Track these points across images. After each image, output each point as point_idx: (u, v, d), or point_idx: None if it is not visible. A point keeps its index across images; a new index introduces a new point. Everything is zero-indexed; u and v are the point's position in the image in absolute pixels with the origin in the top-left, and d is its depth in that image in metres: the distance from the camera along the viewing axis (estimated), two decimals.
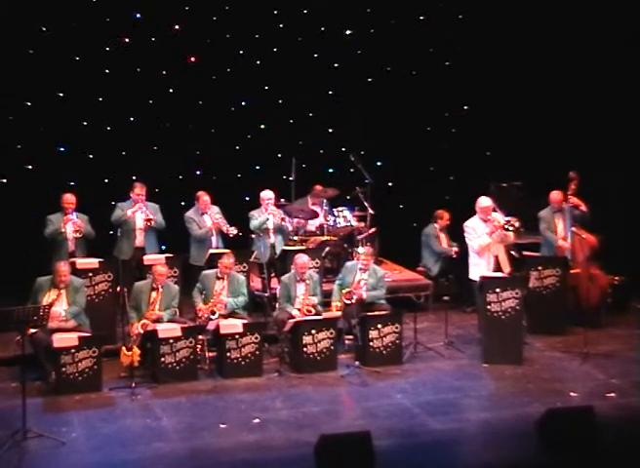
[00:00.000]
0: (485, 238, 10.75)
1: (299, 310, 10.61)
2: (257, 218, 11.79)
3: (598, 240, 11.76)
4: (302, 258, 10.84)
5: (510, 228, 10.71)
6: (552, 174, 12.09)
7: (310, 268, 11.07)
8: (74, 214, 11.25)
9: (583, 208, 11.68)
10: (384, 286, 11.15)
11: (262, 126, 13.99)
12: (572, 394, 9.67)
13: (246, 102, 13.85)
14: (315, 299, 10.73)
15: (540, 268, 11.46)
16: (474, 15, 14.28)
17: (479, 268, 10.84)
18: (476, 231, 10.82)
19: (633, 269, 12.11)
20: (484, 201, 10.94)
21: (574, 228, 11.71)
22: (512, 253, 11.22)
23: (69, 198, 11.28)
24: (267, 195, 11.86)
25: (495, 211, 11.03)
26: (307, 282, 10.74)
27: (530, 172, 13.10)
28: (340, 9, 13.96)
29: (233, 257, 10.77)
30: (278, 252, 11.82)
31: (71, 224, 11.18)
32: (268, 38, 13.77)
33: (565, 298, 11.57)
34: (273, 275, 11.71)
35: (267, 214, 11.78)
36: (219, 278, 10.65)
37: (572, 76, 13.79)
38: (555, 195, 11.79)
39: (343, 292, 10.81)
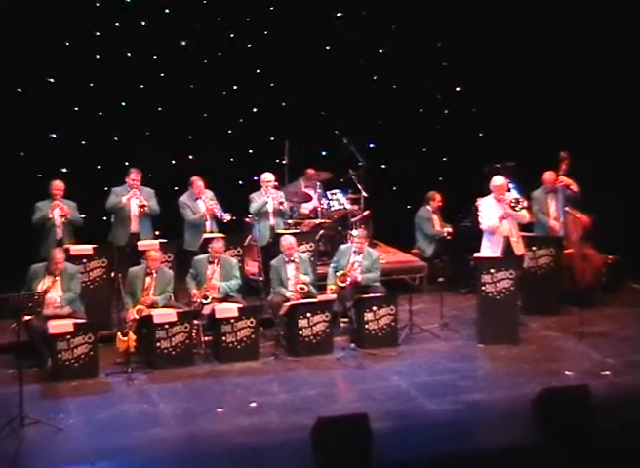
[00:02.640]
0: (494, 221, 10.70)
1: (292, 292, 10.62)
2: (256, 201, 11.78)
3: (591, 219, 11.81)
4: (288, 239, 10.85)
5: (517, 207, 10.66)
6: (545, 153, 12.10)
7: (300, 251, 11.09)
8: (62, 200, 11.22)
9: (574, 187, 11.70)
10: (379, 268, 11.16)
11: (255, 109, 13.95)
12: (567, 373, 9.70)
13: (238, 86, 13.82)
14: (307, 278, 10.73)
15: (533, 248, 11.47)
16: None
17: (488, 249, 10.83)
18: (487, 211, 10.79)
19: (627, 248, 12.15)
20: (497, 180, 10.88)
21: (567, 208, 11.74)
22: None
23: (58, 185, 11.26)
24: (267, 178, 11.87)
25: (509, 190, 10.97)
26: (296, 260, 10.74)
27: (523, 152, 13.10)
28: None
29: (223, 241, 10.79)
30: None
31: (58, 209, 11.16)
32: (259, 21, 13.71)
33: (559, 278, 11.60)
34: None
35: (267, 196, 11.77)
36: (210, 262, 10.65)
37: (564, 55, 13.75)
38: (548, 175, 11.79)
39: (338, 274, 10.81)
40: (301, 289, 10.60)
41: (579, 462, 7.67)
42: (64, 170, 12.53)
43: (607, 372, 9.69)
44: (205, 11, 13.50)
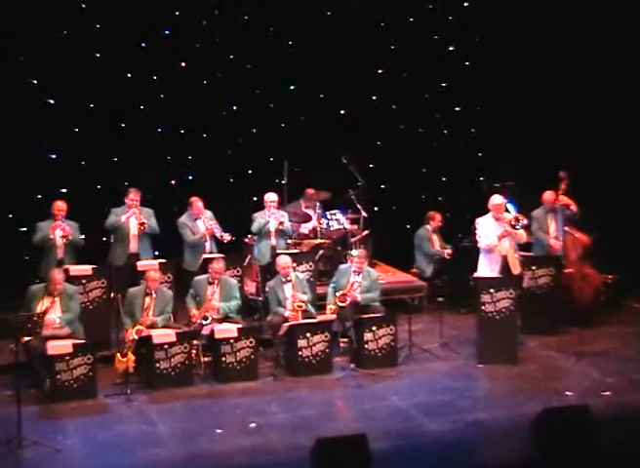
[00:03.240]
0: (493, 240, 10.72)
1: (291, 311, 10.62)
2: (258, 221, 11.82)
3: (590, 239, 11.83)
4: (283, 259, 10.87)
5: (517, 226, 10.70)
6: (544, 173, 12.12)
7: (298, 270, 11.13)
8: (64, 221, 11.24)
9: (573, 207, 11.75)
10: (378, 288, 11.18)
11: (254, 130, 13.99)
12: (567, 393, 9.70)
13: (237, 107, 13.85)
14: (305, 296, 10.73)
15: (533, 268, 11.49)
16: (462, 17, 14.34)
17: (486, 268, 10.85)
18: (485, 229, 10.81)
19: (627, 267, 12.16)
20: (496, 199, 10.94)
21: (566, 228, 11.76)
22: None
23: (60, 205, 11.28)
24: (270, 197, 11.92)
25: (507, 210, 11.02)
26: (290, 278, 10.75)
27: (522, 171, 13.12)
28: (326, 11, 14.00)
29: (223, 262, 10.81)
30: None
31: (59, 230, 11.17)
32: (258, 42, 13.79)
33: (559, 298, 11.58)
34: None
35: (269, 216, 11.81)
36: (210, 283, 10.66)
37: (563, 74, 13.78)
38: (548, 195, 11.84)
39: (337, 294, 10.82)
40: (299, 307, 10.60)
41: None
42: (64, 190, 12.52)
43: (607, 392, 9.69)
44: (204, 32, 13.57)
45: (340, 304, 10.75)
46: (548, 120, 13.80)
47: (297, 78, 13.99)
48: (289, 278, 10.74)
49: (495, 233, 10.75)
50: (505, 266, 10.80)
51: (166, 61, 13.38)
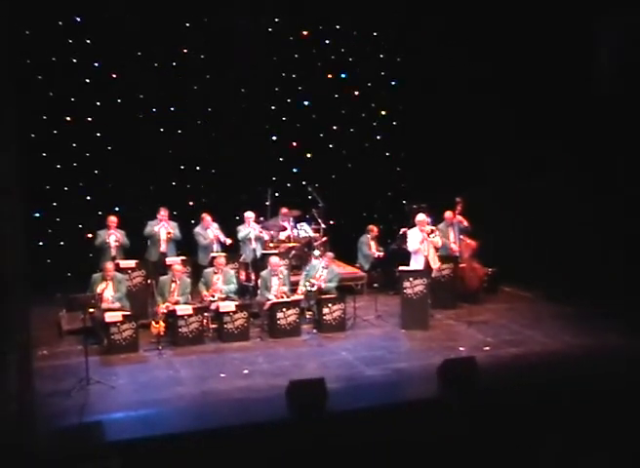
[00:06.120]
0: (416, 244, 10.74)
1: (274, 296, 10.59)
2: (242, 231, 11.72)
3: (477, 244, 11.93)
4: (275, 259, 10.87)
5: (432, 236, 10.79)
6: (447, 198, 12.13)
7: (282, 266, 11.10)
8: (116, 229, 11.25)
9: (466, 223, 11.84)
10: (336, 280, 11.12)
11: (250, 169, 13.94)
12: (460, 349, 9.79)
13: (238, 155, 13.61)
14: (285, 288, 10.75)
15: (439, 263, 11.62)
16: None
17: (415, 263, 10.85)
18: (413, 237, 10.83)
19: (501, 263, 12.22)
20: (420, 217, 10.97)
21: (461, 236, 11.86)
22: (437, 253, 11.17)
23: (112, 219, 11.25)
24: (249, 215, 11.77)
25: (428, 224, 11.19)
26: (281, 276, 10.76)
27: (432, 197, 13.04)
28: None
29: (224, 258, 10.82)
30: (258, 254, 11.71)
31: (113, 236, 11.13)
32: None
33: (456, 284, 11.63)
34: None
35: (249, 228, 11.72)
36: (215, 273, 10.64)
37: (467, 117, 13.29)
38: (448, 214, 11.88)
39: (307, 284, 10.83)
40: (282, 295, 10.57)
41: (469, 409, 7.85)
42: (117, 209, 12.44)
43: (487, 348, 9.80)
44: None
45: (310, 288, 10.74)
46: (449, 160, 13.44)
47: (278, 135, 13.86)
48: (277, 273, 10.69)
49: (419, 240, 10.79)
50: (427, 263, 10.78)
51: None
